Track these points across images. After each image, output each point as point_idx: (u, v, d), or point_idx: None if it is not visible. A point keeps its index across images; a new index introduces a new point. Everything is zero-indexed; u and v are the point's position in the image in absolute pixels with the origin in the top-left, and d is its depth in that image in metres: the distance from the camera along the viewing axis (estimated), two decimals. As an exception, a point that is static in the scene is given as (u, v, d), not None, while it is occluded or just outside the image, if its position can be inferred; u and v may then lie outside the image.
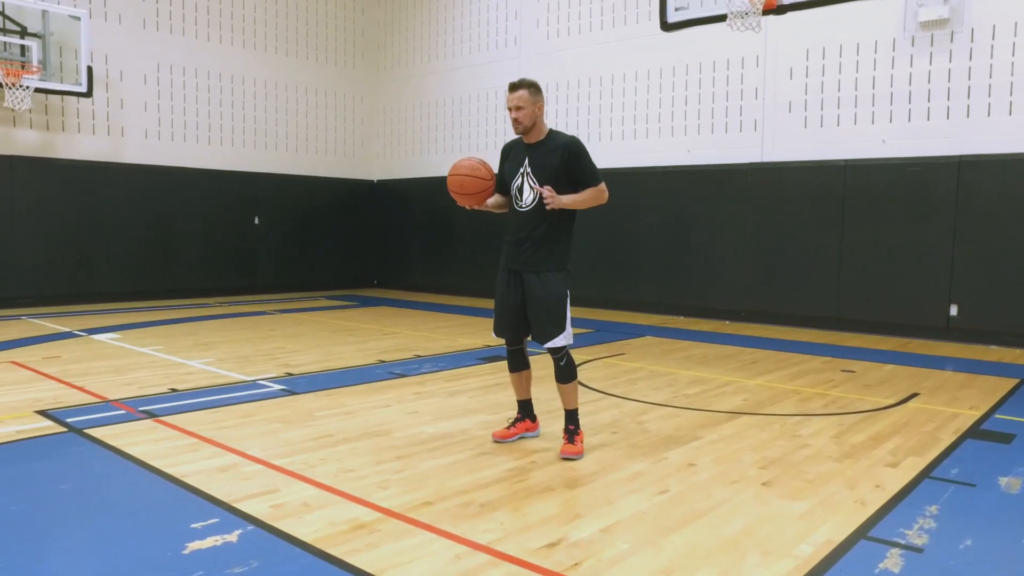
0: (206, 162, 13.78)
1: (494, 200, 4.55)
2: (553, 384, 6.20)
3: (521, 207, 4.38)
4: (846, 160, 9.99)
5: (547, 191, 4.19)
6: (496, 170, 4.52)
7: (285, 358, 7.55)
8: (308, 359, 7.53)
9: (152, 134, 13.14)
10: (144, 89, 13.00)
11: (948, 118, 9.35)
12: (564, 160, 4.27)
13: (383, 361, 7.47)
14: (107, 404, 5.48)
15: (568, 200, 4.24)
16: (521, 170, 4.36)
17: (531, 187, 4.32)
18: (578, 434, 4.46)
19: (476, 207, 4.45)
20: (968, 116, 9.21)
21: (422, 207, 15.62)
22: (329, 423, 5.06)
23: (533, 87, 4.35)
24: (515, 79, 4.43)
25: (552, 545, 3.12)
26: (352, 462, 4.21)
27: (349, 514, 3.43)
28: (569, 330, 4.39)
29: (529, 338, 4.60)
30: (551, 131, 4.43)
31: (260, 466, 4.11)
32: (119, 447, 4.42)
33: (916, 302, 9.46)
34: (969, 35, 9.17)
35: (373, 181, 16.56)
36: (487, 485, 3.86)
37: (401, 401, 5.76)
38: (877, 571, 2.90)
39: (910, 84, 9.62)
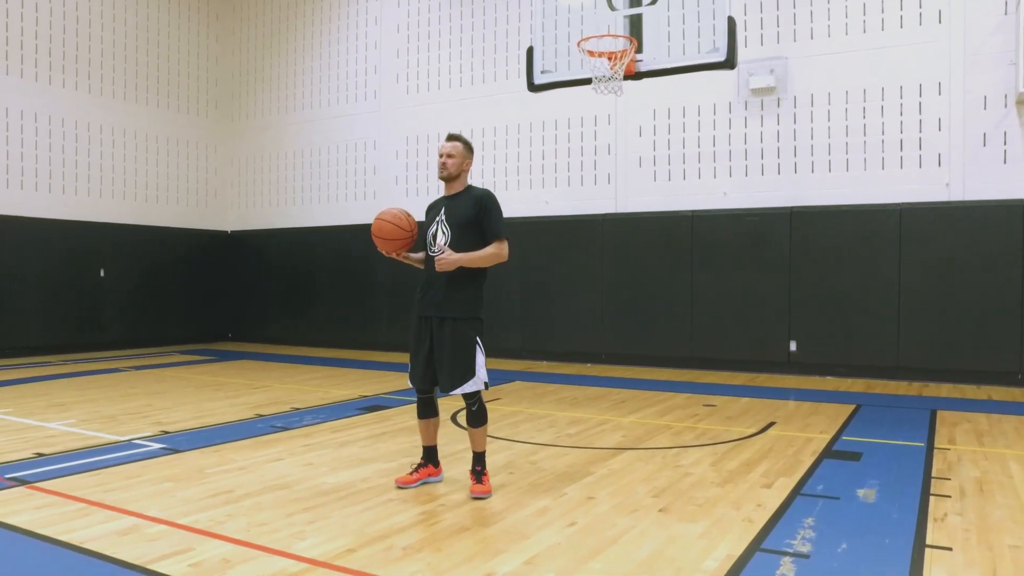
0: (48, 212, 12.95)
1: (417, 254, 4.76)
2: (448, 429, 6.43)
3: (433, 252, 4.59)
4: (692, 211, 10.87)
5: (444, 251, 4.46)
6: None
7: (156, 416, 7.25)
8: (181, 415, 7.27)
9: (-15, 182, 12.28)
10: (-23, 135, 12.18)
11: (779, 174, 10.48)
12: (477, 210, 4.55)
13: (261, 415, 7.33)
14: (-31, 473, 5.11)
15: (463, 258, 4.46)
16: (438, 218, 4.62)
17: (443, 233, 4.56)
18: (485, 475, 4.63)
19: (394, 255, 4.64)
20: (796, 172, 10.38)
21: (279, 258, 15.32)
22: (224, 479, 4.96)
23: (468, 144, 4.76)
24: (454, 132, 4.87)
25: (483, 579, 3.28)
26: (261, 516, 4.17)
27: (274, 567, 3.42)
28: (480, 376, 4.55)
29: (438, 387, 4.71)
30: (469, 185, 4.74)
31: (164, 526, 3.99)
32: (-2, 518, 4.15)
33: (760, 340, 10.38)
34: (792, 102, 10.39)
35: (227, 232, 16.12)
36: (404, 529, 3.96)
37: (292, 454, 5.71)
38: (775, 578, 3.27)
39: (745, 143, 10.72)
